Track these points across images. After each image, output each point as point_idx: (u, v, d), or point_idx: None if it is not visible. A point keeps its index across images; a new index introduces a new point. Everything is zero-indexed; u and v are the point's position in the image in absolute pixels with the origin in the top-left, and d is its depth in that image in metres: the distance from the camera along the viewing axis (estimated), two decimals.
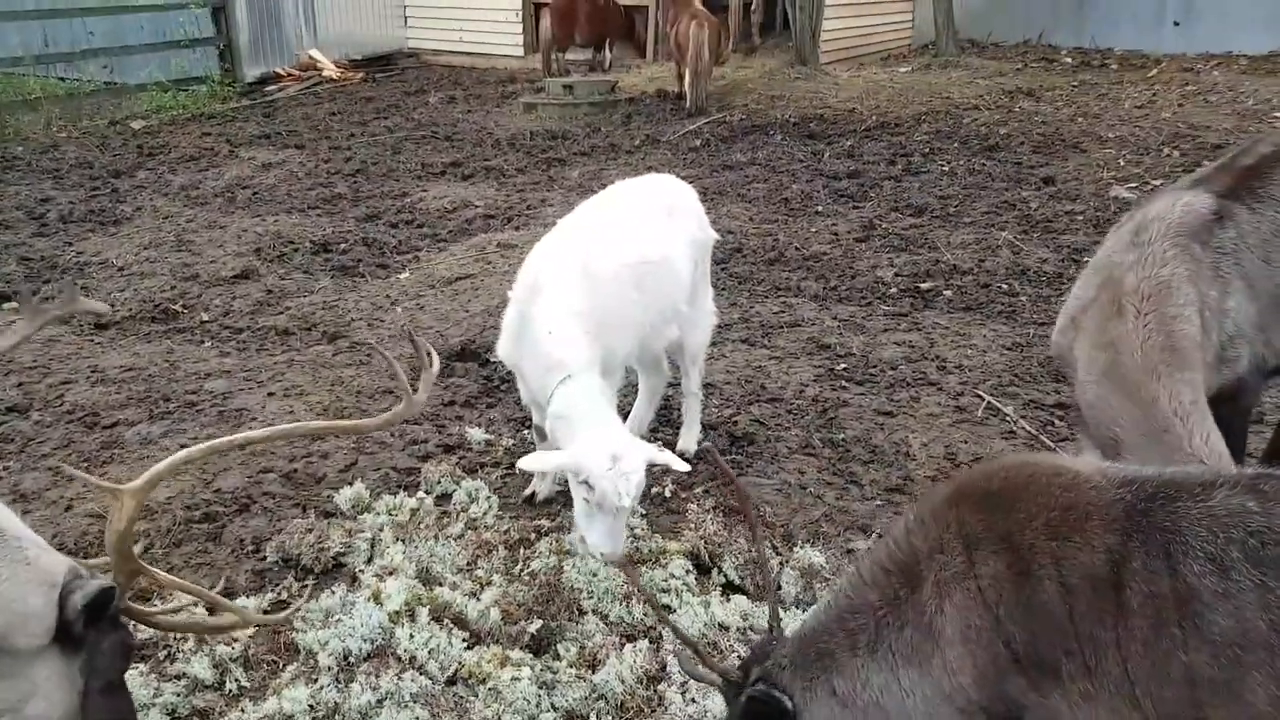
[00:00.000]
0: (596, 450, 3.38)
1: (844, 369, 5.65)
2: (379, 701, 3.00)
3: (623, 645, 3.30)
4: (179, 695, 3.12)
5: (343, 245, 7.85)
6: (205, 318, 6.47)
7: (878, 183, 9.23)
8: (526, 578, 3.64)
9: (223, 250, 7.64)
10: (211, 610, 3.10)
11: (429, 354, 3.21)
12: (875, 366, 5.67)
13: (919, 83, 13.69)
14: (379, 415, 3.02)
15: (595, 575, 3.61)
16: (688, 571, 3.69)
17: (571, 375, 3.60)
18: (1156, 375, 3.16)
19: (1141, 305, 3.26)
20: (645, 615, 3.50)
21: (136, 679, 3.14)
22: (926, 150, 10.26)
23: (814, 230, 8.03)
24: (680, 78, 12.60)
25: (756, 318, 6.38)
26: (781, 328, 6.24)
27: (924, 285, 6.84)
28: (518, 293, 3.87)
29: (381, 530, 3.98)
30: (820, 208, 8.62)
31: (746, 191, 9.11)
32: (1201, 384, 3.18)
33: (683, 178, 4.81)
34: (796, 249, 7.60)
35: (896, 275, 7.02)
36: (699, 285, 4.55)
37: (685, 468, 3.60)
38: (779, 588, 3.58)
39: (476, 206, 8.82)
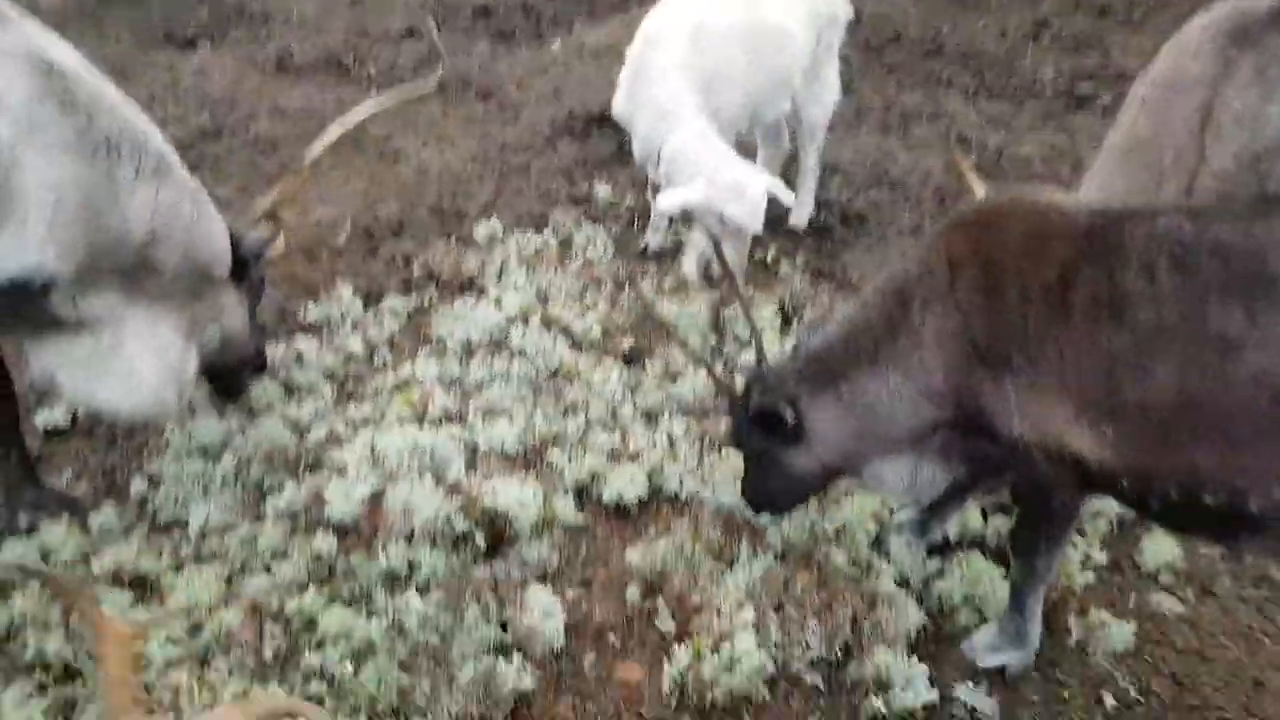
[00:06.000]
0: (726, 183, 3.63)
1: (976, 162, 5.64)
2: (491, 379, 3.58)
3: (699, 368, 3.72)
4: (339, 365, 3.82)
5: (503, 9, 8.11)
6: (372, 71, 6.95)
7: None
8: (627, 306, 4.08)
9: (393, 9, 8.03)
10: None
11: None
12: (1008, 162, 5.63)
13: None
14: None
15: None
16: (774, 315, 4.05)
17: (682, 124, 3.82)
18: None
19: None
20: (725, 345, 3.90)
21: (304, 343, 3.86)
22: None
23: (981, 24, 7.69)
24: None
25: (898, 107, 6.34)
26: (922, 119, 6.20)
27: (1082, 88, 6.56)
28: (634, 48, 4.09)
29: (510, 259, 4.48)
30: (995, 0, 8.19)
31: None
32: None
33: None
34: (957, 44, 7.33)
35: (1056, 76, 6.74)
36: (822, 60, 4.61)
37: (792, 198, 3.85)
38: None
39: None
